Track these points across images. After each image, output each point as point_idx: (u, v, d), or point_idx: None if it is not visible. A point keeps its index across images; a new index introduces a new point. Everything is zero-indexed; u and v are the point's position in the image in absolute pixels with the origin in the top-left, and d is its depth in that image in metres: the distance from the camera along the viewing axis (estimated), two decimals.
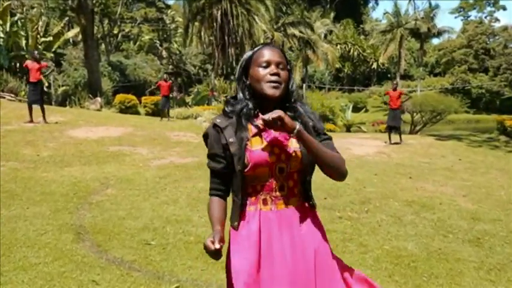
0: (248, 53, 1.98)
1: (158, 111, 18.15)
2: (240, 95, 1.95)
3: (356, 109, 32.14)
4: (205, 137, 1.96)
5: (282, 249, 1.85)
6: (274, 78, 1.87)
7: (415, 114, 19.15)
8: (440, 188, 7.57)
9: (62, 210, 5.59)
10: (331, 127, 20.71)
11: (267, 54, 1.91)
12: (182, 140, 11.35)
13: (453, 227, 5.48)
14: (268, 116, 1.72)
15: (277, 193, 1.89)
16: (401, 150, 11.72)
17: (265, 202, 1.89)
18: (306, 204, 1.97)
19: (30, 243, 4.50)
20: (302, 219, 1.93)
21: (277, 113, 1.72)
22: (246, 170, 1.85)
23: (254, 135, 1.87)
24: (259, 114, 1.89)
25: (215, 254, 1.73)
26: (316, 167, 1.93)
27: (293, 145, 1.87)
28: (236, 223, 1.91)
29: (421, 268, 4.22)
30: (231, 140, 1.86)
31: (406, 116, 20.16)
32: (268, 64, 1.89)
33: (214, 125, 1.91)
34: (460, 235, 5.19)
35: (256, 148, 1.86)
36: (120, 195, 6.37)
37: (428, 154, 11.29)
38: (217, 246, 1.72)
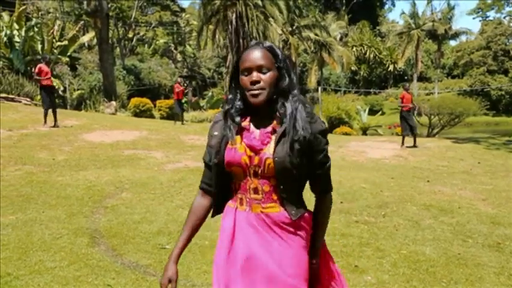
0: (236, 58, 1.98)
1: (173, 115, 18.22)
2: (231, 96, 1.98)
3: (372, 112, 31.96)
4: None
5: (246, 252, 1.87)
6: (254, 87, 1.85)
7: (432, 116, 18.95)
8: (459, 191, 7.45)
9: (77, 214, 5.61)
10: (347, 130, 20.67)
11: (248, 60, 1.88)
12: (197, 144, 11.34)
13: (472, 231, 5.37)
14: None
15: (252, 195, 1.91)
16: (418, 154, 11.57)
17: (241, 202, 1.94)
18: (287, 214, 1.90)
19: (46, 247, 4.51)
20: (277, 227, 1.89)
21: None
22: (224, 166, 1.92)
23: (236, 134, 1.91)
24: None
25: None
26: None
27: (268, 151, 1.86)
28: (215, 214, 2.07)
29: (440, 273, 4.14)
30: (215, 133, 1.96)
31: (424, 119, 19.98)
32: (249, 71, 1.87)
33: (215, 118, 2.03)
34: (479, 240, 5.09)
35: (232, 147, 1.90)
36: (135, 199, 6.38)
37: (446, 157, 11.13)
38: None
